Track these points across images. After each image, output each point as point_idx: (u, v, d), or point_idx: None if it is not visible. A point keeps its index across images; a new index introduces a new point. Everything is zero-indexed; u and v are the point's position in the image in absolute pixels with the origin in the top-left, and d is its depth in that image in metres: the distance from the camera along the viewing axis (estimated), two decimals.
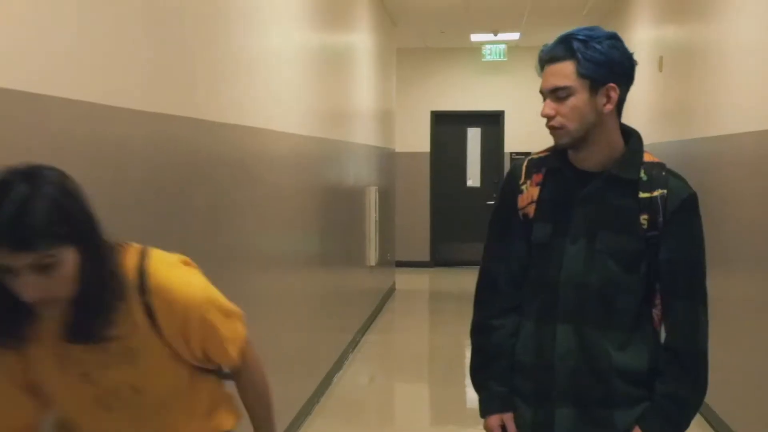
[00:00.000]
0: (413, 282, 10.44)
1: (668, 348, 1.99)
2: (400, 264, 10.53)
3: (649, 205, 1.94)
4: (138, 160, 2.63)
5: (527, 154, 2.18)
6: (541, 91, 1.96)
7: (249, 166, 3.83)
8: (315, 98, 5.34)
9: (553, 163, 2.03)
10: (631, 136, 2.01)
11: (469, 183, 11.68)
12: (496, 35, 10.40)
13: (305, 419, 4.88)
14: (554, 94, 1.93)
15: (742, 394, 4.22)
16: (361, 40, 7.44)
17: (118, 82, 2.50)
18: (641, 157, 1.98)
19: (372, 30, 8.04)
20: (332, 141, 5.91)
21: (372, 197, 7.61)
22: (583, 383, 1.98)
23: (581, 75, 1.90)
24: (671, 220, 1.94)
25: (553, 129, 1.95)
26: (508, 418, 2.09)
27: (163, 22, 2.85)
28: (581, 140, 1.95)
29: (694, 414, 2.01)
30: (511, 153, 11.21)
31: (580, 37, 1.91)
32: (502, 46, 10.80)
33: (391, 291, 9.49)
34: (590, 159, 1.98)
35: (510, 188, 2.08)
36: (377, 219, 7.84)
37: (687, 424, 2.00)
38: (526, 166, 2.07)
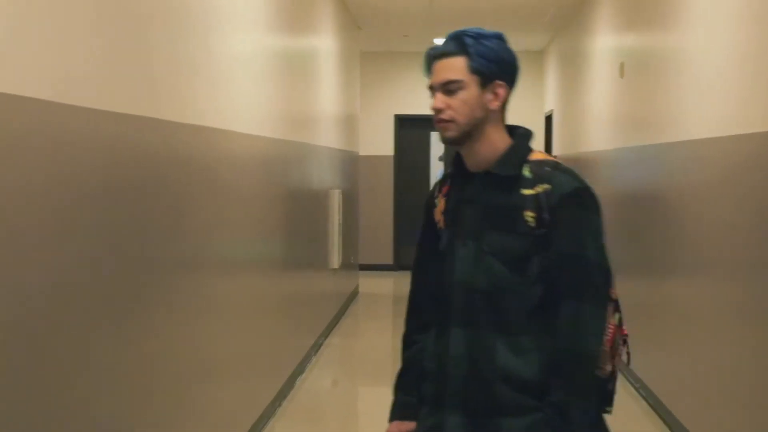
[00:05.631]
0: (377, 285, 10.43)
1: (554, 352, 1.88)
2: (364, 267, 10.51)
3: (534, 202, 1.90)
4: (94, 159, 2.58)
5: None
6: (431, 86, 1.96)
7: (210, 168, 3.79)
8: (278, 100, 5.31)
9: (451, 170, 2.05)
10: (516, 134, 2.00)
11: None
12: None
13: (267, 422, 4.84)
14: (445, 87, 1.94)
15: (708, 399, 4.26)
16: (324, 43, 7.42)
17: (70, 79, 2.45)
18: (524, 154, 1.96)
19: (336, 33, 8.02)
20: (296, 143, 5.88)
21: (335, 200, 7.59)
22: (472, 389, 1.92)
23: (472, 70, 1.93)
24: (555, 216, 1.88)
25: (442, 122, 1.95)
26: (406, 426, 2.08)
27: (119, 16, 2.80)
28: (467, 136, 1.95)
29: (587, 422, 1.87)
30: None
31: (471, 33, 1.96)
32: None
33: (355, 294, 9.47)
34: (475, 158, 1.98)
35: (428, 205, 2.11)
36: (341, 222, 7.82)
37: None
38: (440, 181, 2.11)
